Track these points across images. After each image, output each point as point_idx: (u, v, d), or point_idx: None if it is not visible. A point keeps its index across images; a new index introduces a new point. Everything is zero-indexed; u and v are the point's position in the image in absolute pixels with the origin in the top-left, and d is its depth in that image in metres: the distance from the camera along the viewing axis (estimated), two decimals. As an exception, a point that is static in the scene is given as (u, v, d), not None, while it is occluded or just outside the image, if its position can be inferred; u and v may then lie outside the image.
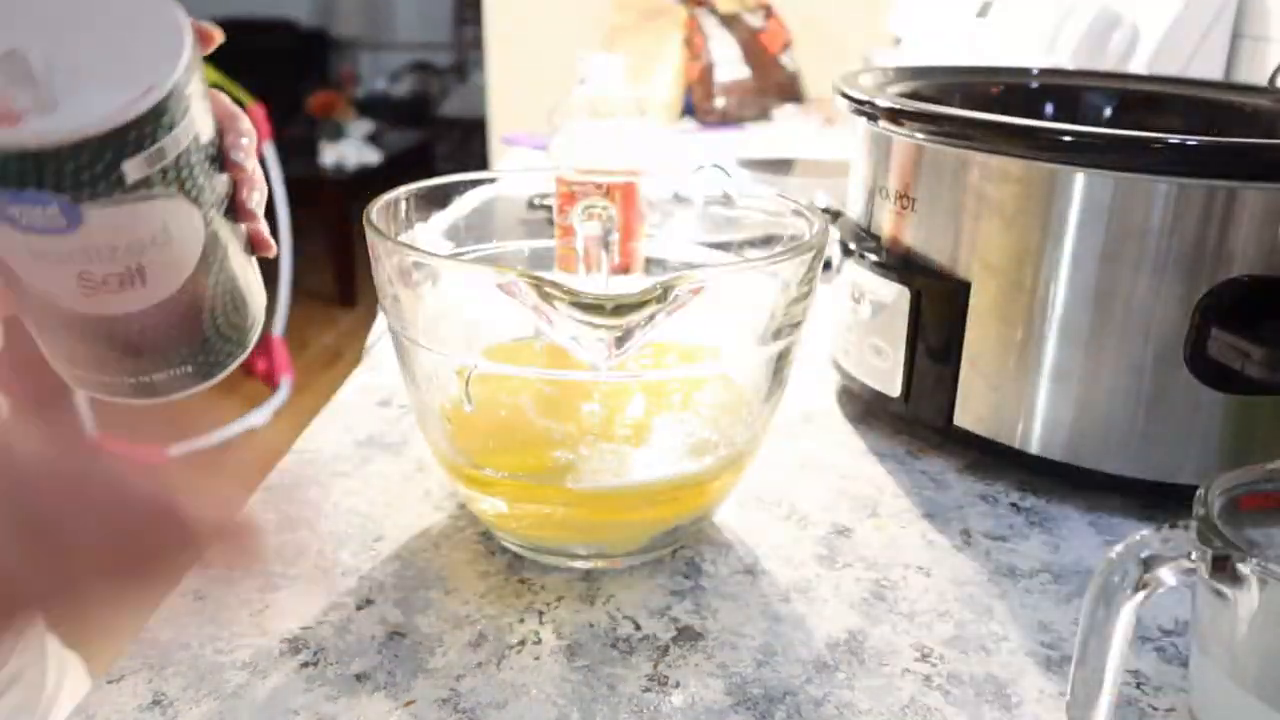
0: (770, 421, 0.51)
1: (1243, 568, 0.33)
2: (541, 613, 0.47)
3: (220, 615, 0.46)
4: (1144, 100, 0.77)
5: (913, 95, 0.70)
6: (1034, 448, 0.57)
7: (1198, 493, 0.36)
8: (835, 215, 0.69)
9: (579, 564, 0.50)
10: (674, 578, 0.50)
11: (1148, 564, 0.35)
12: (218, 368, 0.42)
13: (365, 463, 0.60)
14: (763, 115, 1.78)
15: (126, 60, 0.33)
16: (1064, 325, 0.54)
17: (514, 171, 0.64)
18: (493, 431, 0.50)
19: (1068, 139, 0.52)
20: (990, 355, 0.57)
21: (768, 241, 0.56)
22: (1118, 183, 0.51)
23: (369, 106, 4.99)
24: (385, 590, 0.48)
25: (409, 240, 0.53)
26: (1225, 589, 0.34)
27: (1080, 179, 0.52)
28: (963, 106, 0.64)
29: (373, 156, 4.07)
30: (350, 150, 4.01)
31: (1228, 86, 0.78)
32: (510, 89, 2.31)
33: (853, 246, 0.63)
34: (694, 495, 0.50)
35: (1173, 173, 0.50)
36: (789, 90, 1.81)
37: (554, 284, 0.40)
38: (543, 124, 0.86)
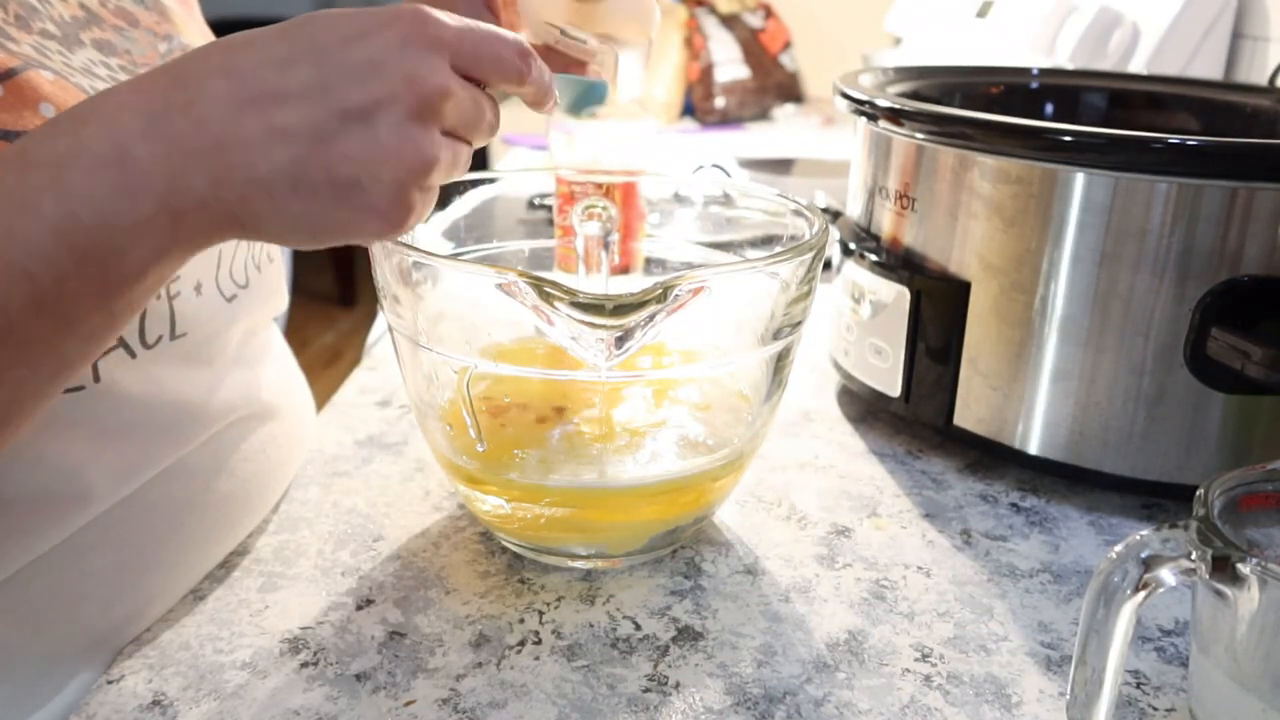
0: (770, 421, 0.51)
1: (1243, 568, 0.33)
2: (541, 613, 0.47)
3: (220, 615, 0.46)
4: (1144, 100, 0.77)
5: (913, 95, 0.70)
6: (1034, 448, 0.57)
7: (1198, 493, 0.36)
8: (835, 215, 0.69)
9: (579, 564, 0.50)
10: (674, 578, 0.50)
11: (1148, 564, 0.35)
12: None
13: (365, 463, 0.60)
14: (763, 115, 1.78)
15: None
16: (1064, 325, 0.54)
17: (514, 171, 0.64)
18: (493, 431, 0.50)
19: (1068, 139, 0.52)
20: (990, 355, 0.57)
21: (768, 241, 0.56)
22: (1118, 183, 0.51)
23: (369, 106, 4.99)
24: (385, 590, 0.48)
25: (409, 240, 0.53)
26: (1225, 589, 0.34)
27: (1080, 179, 0.52)
28: (963, 106, 0.64)
29: (373, 156, 4.06)
30: (350, 150, 4.00)
31: (1228, 86, 0.78)
32: (510, 89, 2.31)
33: (853, 246, 0.63)
34: (694, 495, 0.50)
35: (1173, 173, 0.50)
36: (789, 90, 1.81)
37: (554, 284, 0.40)
38: (542, 124, 0.86)
